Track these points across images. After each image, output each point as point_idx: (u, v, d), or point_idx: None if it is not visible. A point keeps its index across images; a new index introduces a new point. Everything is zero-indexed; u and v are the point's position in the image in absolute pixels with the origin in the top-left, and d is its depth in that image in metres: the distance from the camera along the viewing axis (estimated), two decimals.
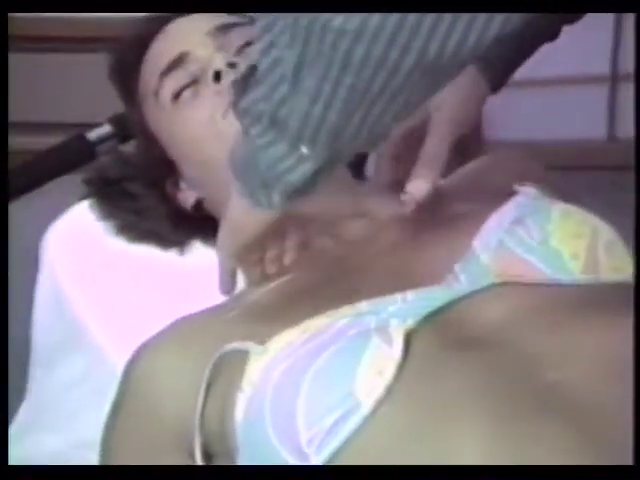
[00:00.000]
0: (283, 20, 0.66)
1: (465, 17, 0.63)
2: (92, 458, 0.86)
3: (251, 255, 0.87)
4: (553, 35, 1.00)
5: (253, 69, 0.70)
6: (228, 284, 0.87)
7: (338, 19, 0.62)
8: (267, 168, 0.72)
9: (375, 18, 0.62)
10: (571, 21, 0.99)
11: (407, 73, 0.64)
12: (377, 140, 0.74)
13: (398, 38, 0.62)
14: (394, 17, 0.62)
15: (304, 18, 0.64)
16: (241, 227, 0.82)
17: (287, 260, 0.88)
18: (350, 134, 0.69)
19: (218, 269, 0.87)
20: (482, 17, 0.63)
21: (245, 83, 0.71)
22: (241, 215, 0.81)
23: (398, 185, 0.88)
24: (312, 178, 0.72)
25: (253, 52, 0.70)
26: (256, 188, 0.76)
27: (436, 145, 0.90)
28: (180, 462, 0.79)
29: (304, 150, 0.70)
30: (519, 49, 0.98)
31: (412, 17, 0.62)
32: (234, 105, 0.73)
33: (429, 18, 0.62)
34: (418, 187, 0.88)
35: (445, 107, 0.92)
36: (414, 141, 0.91)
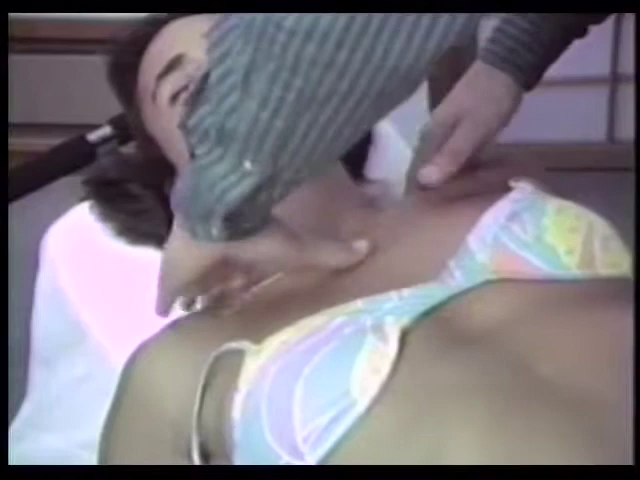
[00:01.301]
0: (236, 29, 0.66)
1: (423, 21, 0.62)
2: (93, 458, 0.86)
3: (193, 291, 0.86)
4: (582, 32, 1.00)
5: (204, 80, 0.70)
6: (164, 311, 0.86)
7: (290, 19, 0.63)
8: (208, 190, 0.72)
9: (326, 18, 0.62)
10: (598, 21, 1.00)
11: (354, 77, 0.65)
12: (318, 165, 0.73)
13: (347, 39, 0.63)
14: (343, 18, 0.62)
15: (258, 19, 0.64)
16: (180, 262, 0.81)
17: (231, 300, 0.88)
18: (295, 144, 0.69)
19: (156, 294, 0.86)
20: (441, 23, 0.63)
21: (194, 101, 0.71)
22: (180, 249, 0.80)
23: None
24: (251, 197, 0.72)
25: (203, 69, 0.71)
26: (196, 218, 0.76)
27: (461, 142, 0.91)
28: (177, 462, 0.79)
29: (247, 165, 0.70)
30: (550, 47, 0.99)
31: (359, 18, 0.62)
32: (182, 125, 0.73)
33: (376, 19, 0.62)
34: (429, 173, 0.89)
35: (478, 113, 0.93)
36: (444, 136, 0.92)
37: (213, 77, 0.69)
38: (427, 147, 0.94)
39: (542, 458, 0.65)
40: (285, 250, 0.80)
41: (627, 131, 1.89)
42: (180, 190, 0.77)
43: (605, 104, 1.96)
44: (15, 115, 1.35)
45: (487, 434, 0.67)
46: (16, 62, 1.54)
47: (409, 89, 0.68)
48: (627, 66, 1.93)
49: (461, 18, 0.63)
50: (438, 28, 0.63)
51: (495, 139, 0.97)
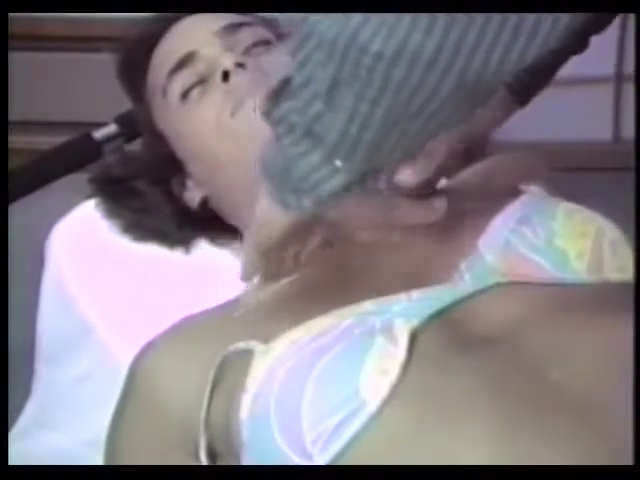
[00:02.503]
0: (317, 37, 0.65)
1: (505, 37, 0.62)
2: (99, 456, 0.86)
3: (274, 253, 0.86)
4: (582, 46, 1.00)
5: (286, 82, 0.69)
6: (250, 277, 0.85)
7: (376, 43, 0.62)
8: (301, 178, 0.72)
9: (413, 42, 0.61)
10: (598, 30, 0.99)
11: (446, 95, 0.64)
12: (412, 154, 0.74)
13: (437, 62, 0.62)
14: (432, 40, 0.61)
15: (342, 39, 0.63)
16: (268, 228, 0.80)
17: (304, 257, 0.87)
18: (386, 151, 0.68)
19: (241, 259, 0.86)
20: (522, 37, 0.63)
21: (278, 95, 0.70)
22: (269, 216, 0.79)
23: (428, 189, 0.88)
24: (344, 190, 0.71)
25: (286, 65, 0.70)
26: (287, 192, 0.75)
27: (435, 144, 0.91)
28: (184, 461, 0.79)
29: (338, 163, 0.69)
30: (547, 62, 0.98)
31: (451, 40, 0.61)
32: (266, 114, 0.72)
33: (469, 40, 0.62)
34: (404, 176, 0.88)
35: None
36: None
37: (295, 81, 0.68)
38: None
39: (552, 461, 0.65)
40: (370, 207, 0.80)
41: (633, 131, 1.89)
42: (269, 165, 0.76)
43: (611, 104, 1.96)
44: (20, 113, 1.35)
45: (496, 436, 0.67)
46: (21, 60, 1.54)
47: (490, 97, 0.69)
48: (633, 66, 1.92)
49: (542, 34, 0.63)
50: (519, 44, 0.63)
51: (488, 139, 0.96)
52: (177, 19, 1.01)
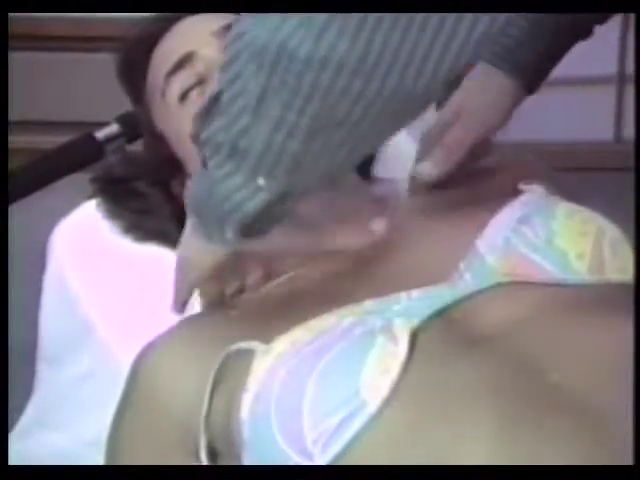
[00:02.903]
0: (250, 49, 0.66)
1: (437, 46, 0.63)
2: (100, 456, 0.86)
3: (209, 286, 0.87)
4: (586, 33, 1.00)
5: (216, 98, 0.70)
6: (180, 308, 0.87)
7: (304, 48, 0.63)
8: (223, 200, 0.72)
9: (341, 47, 0.62)
10: (602, 20, 0.99)
11: (369, 102, 0.65)
12: (330, 179, 0.74)
13: (363, 67, 0.63)
14: (359, 46, 0.62)
15: (272, 47, 0.64)
16: (195, 264, 0.82)
17: (250, 293, 0.88)
18: (309, 164, 0.69)
19: (173, 291, 0.86)
20: (453, 48, 0.64)
21: (208, 113, 0.71)
22: (194, 251, 0.81)
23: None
24: (265, 210, 0.72)
25: (217, 81, 0.70)
26: (210, 223, 0.76)
27: (458, 137, 0.92)
28: (185, 461, 0.79)
29: (260, 182, 0.70)
30: (552, 47, 0.99)
31: (375, 46, 0.62)
32: (195, 137, 0.73)
33: (390, 48, 0.63)
34: (426, 169, 0.89)
35: (474, 108, 0.93)
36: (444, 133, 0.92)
37: (225, 97, 0.69)
38: (428, 147, 0.94)
39: (552, 460, 0.65)
40: (303, 239, 0.81)
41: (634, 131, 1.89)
42: (194, 194, 0.77)
43: (613, 104, 1.96)
44: (21, 113, 1.35)
45: (497, 436, 0.67)
46: (21, 59, 1.54)
47: (423, 107, 0.69)
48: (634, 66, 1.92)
49: (473, 42, 0.64)
50: (451, 51, 0.64)
51: (495, 136, 0.97)
52: (177, 19, 1.01)
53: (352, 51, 0.62)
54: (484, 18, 0.64)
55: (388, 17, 0.62)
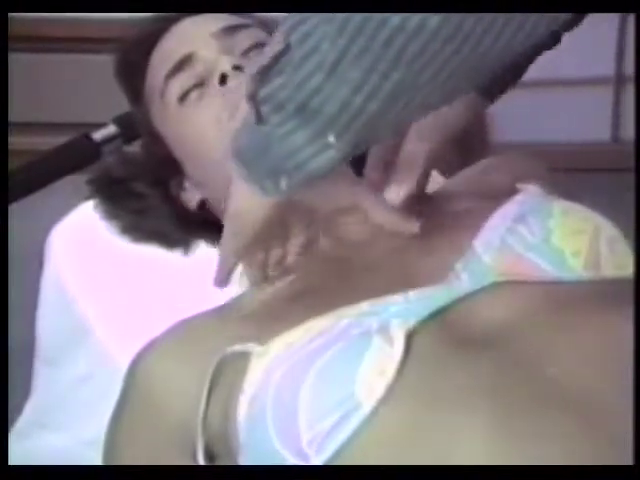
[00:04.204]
0: (316, 16, 0.66)
1: (517, 18, 0.64)
2: (98, 456, 0.86)
3: (254, 256, 0.87)
4: (553, 41, 1.00)
5: (278, 58, 0.69)
6: (225, 278, 0.86)
7: (396, 17, 0.63)
8: (284, 157, 0.72)
9: (435, 19, 0.62)
10: (569, 27, 0.99)
11: (456, 65, 0.65)
12: (399, 130, 0.74)
13: (456, 36, 0.63)
14: (455, 18, 0.62)
15: (357, 15, 0.64)
16: (246, 215, 0.80)
17: (289, 260, 0.88)
18: (385, 123, 0.69)
19: (217, 262, 0.86)
20: (531, 19, 0.65)
21: (268, 71, 0.70)
22: (245, 203, 0.79)
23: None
24: (333, 167, 0.71)
25: (276, 42, 0.70)
26: (264, 175, 0.75)
27: (412, 150, 0.91)
28: (182, 462, 0.79)
29: (331, 139, 0.69)
30: (514, 59, 0.98)
31: (470, 19, 0.63)
32: (252, 94, 0.72)
33: (484, 20, 0.63)
34: (394, 193, 0.89)
35: (420, 126, 0.91)
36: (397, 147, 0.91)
37: (295, 55, 0.68)
38: (377, 163, 0.93)
39: (548, 460, 0.65)
40: (345, 187, 0.81)
41: (632, 131, 1.89)
42: (245, 146, 0.76)
43: (610, 104, 1.96)
44: (19, 114, 1.35)
45: (492, 437, 0.67)
46: (20, 61, 1.54)
47: (500, 67, 0.70)
48: (632, 66, 1.92)
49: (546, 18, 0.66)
50: (540, 25, 0.65)
51: (487, 138, 0.96)
52: (176, 20, 1.01)
53: (447, 22, 0.62)
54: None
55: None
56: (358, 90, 0.66)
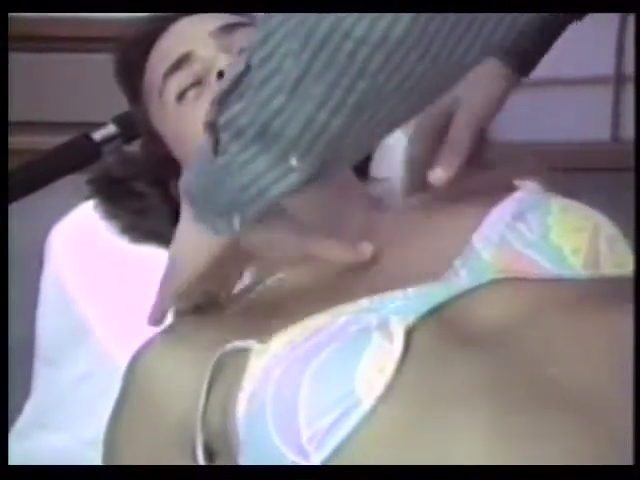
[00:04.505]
0: (287, 28, 0.66)
1: (478, 20, 0.63)
2: (98, 456, 0.86)
3: (195, 293, 0.85)
4: (579, 15, 1.00)
5: (238, 82, 0.69)
6: (160, 318, 0.86)
7: (360, 28, 0.62)
8: (242, 187, 0.71)
9: (399, 27, 0.62)
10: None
11: (419, 77, 0.65)
12: (372, 146, 0.74)
13: (418, 45, 0.63)
14: (417, 26, 0.62)
15: (322, 27, 0.63)
16: (191, 258, 0.80)
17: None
18: (348, 140, 0.69)
19: (154, 301, 0.85)
20: (492, 19, 0.64)
21: (228, 97, 0.70)
22: (191, 244, 0.80)
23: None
24: (296, 190, 0.71)
25: (233, 67, 0.70)
26: (216, 213, 0.75)
27: (460, 135, 0.91)
28: (182, 459, 0.79)
29: (293, 162, 0.69)
30: (545, 30, 0.98)
31: (433, 23, 0.62)
32: (211, 123, 0.72)
33: (447, 24, 0.63)
34: (439, 175, 0.89)
35: (471, 100, 0.93)
36: (440, 131, 0.92)
37: (255, 77, 0.68)
38: (425, 143, 0.94)
39: (548, 460, 0.65)
40: (292, 237, 0.80)
41: (631, 131, 1.89)
42: (197, 185, 0.76)
43: (609, 104, 1.96)
44: (19, 113, 1.35)
45: (492, 433, 0.67)
46: (19, 60, 1.55)
47: (463, 77, 0.70)
48: (632, 67, 1.92)
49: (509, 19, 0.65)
50: (502, 26, 0.64)
51: (486, 136, 0.96)
52: (174, 19, 1.01)
53: (410, 31, 0.62)
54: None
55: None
56: (322, 106, 0.66)
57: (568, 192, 0.91)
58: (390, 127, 0.71)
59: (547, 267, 0.79)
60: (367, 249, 0.84)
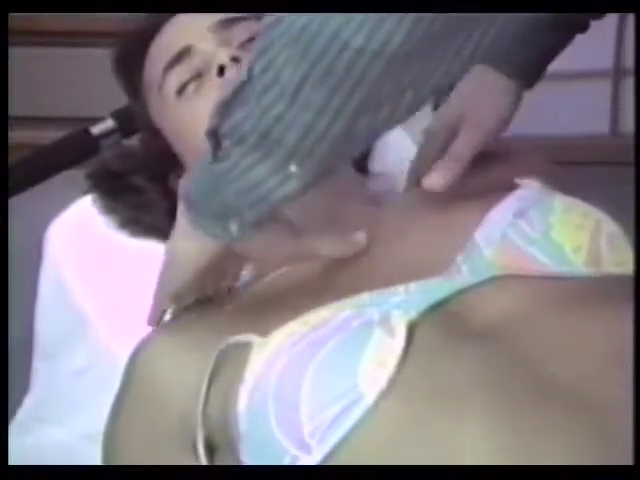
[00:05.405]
0: (289, 37, 0.66)
1: (476, 30, 0.64)
2: (97, 450, 0.86)
3: (190, 292, 0.86)
4: (582, 27, 1.00)
5: (240, 90, 0.70)
6: (158, 319, 0.86)
7: (358, 38, 0.63)
8: (243, 192, 0.72)
9: (398, 37, 0.62)
10: (598, 15, 0.99)
11: (418, 81, 0.66)
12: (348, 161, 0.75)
13: (418, 54, 0.63)
14: (416, 35, 0.63)
15: (322, 36, 0.64)
16: (187, 261, 0.81)
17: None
18: (348, 147, 0.69)
19: (151, 303, 0.86)
20: (492, 28, 0.65)
21: (230, 104, 0.71)
22: (187, 248, 0.80)
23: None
24: (295, 197, 0.72)
25: (237, 74, 0.70)
26: (212, 218, 0.76)
27: (462, 147, 0.91)
28: (182, 454, 0.79)
29: (293, 169, 0.70)
30: (550, 43, 0.98)
31: (432, 32, 0.63)
32: (213, 129, 0.72)
33: (446, 27, 0.63)
34: (433, 181, 0.89)
35: (477, 114, 0.93)
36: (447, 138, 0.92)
37: (256, 86, 0.68)
38: (431, 147, 0.94)
39: (549, 456, 0.65)
40: (286, 240, 0.81)
41: (631, 125, 1.89)
42: (195, 189, 0.77)
43: (609, 98, 1.96)
44: (18, 108, 1.35)
45: (494, 429, 0.67)
46: (18, 55, 1.54)
47: (459, 79, 0.72)
48: (631, 60, 1.92)
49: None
50: (489, 36, 0.65)
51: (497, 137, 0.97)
52: (173, 14, 1.01)
53: (409, 41, 0.63)
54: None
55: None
56: (321, 113, 0.67)
57: (567, 186, 0.91)
58: (389, 128, 0.71)
59: (549, 264, 0.79)
60: (361, 238, 0.85)
